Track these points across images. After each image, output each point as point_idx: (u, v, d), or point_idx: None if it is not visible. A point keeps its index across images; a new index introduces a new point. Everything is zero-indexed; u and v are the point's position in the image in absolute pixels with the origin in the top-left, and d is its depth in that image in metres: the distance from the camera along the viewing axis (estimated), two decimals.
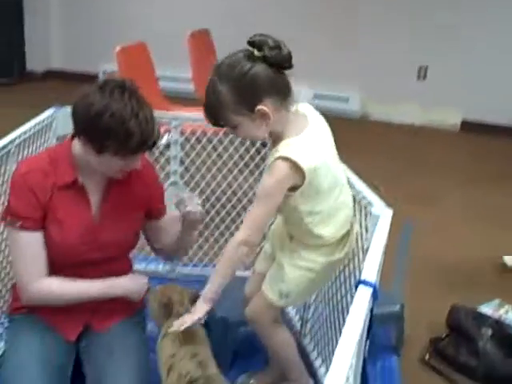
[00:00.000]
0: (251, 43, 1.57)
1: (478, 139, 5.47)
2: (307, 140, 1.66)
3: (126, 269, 1.98)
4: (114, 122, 1.60)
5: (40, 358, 1.77)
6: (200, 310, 1.71)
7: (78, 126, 1.68)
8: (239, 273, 2.67)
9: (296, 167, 1.61)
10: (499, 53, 5.57)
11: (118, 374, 1.76)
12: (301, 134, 1.66)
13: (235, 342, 2.17)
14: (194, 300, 1.86)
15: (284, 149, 1.62)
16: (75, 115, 1.67)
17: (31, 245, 1.75)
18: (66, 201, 1.77)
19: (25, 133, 2.16)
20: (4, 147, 2.00)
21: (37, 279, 1.76)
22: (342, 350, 1.13)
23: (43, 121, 2.31)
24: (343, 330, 1.20)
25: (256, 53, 1.56)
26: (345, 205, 1.81)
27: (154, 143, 1.71)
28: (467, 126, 5.76)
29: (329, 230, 1.77)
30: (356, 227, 1.86)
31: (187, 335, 1.77)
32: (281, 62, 1.58)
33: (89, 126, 1.64)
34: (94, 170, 1.76)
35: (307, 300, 1.97)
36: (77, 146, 1.76)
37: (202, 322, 1.73)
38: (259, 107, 1.59)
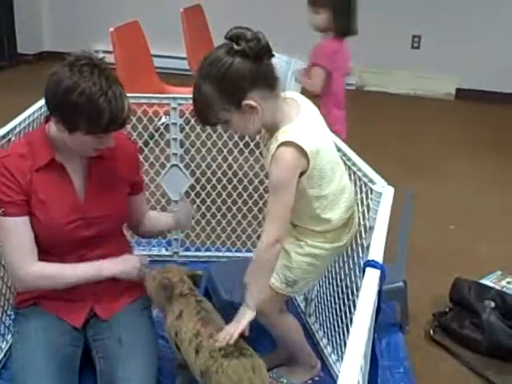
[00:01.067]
0: (229, 38, 1.55)
1: (473, 107, 5.47)
2: (304, 124, 1.65)
3: (123, 246, 2.01)
4: (84, 100, 1.60)
5: (47, 348, 1.78)
6: (246, 318, 1.70)
7: (48, 104, 1.69)
8: (245, 254, 2.72)
9: (300, 150, 1.60)
10: (493, 20, 5.53)
11: (128, 362, 1.78)
12: (296, 119, 1.65)
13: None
14: (193, 278, 1.94)
15: (283, 135, 1.61)
16: (46, 93, 1.68)
17: (17, 231, 1.75)
18: (47, 182, 1.77)
19: (24, 120, 2.14)
20: (4, 136, 1.99)
21: (27, 264, 1.76)
22: (355, 338, 1.13)
23: (41, 108, 2.29)
24: (354, 317, 1.21)
25: (235, 47, 1.54)
26: (347, 188, 1.82)
27: (125, 121, 1.71)
28: (462, 94, 5.76)
29: (336, 214, 1.78)
30: (357, 209, 1.87)
31: (207, 316, 1.81)
32: (260, 54, 1.55)
33: (59, 105, 1.65)
34: (70, 149, 1.77)
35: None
36: (51, 126, 1.77)
37: (247, 333, 1.71)
38: (245, 102, 1.57)
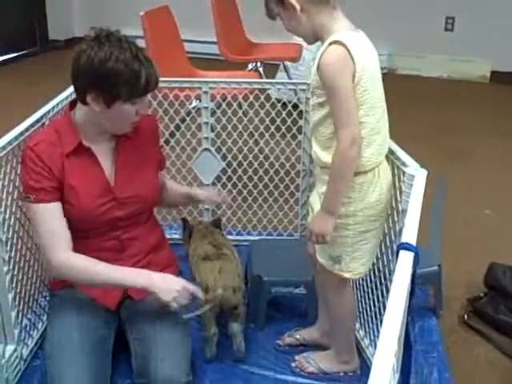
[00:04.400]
0: None
1: (508, 90, 5.35)
2: (359, 39, 1.65)
3: (155, 229, 2.04)
4: (121, 66, 1.66)
5: (81, 329, 1.81)
6: (328, 223, 1.70)
7: (84, 81, 1.71)
8: (276, 238, 2.72)
9: (348, 52, 1.59)
10: None
11: (162, 342, 1.79)
12: (352, 32, 1.65)
13: (267, 300, 2.22)
14: (213, 223, 2.38)
15: (333, 37, 1.61)
16: (79, 72, 1.71)
17: (49, 217, 1.77)
18: (77, 167, 1.80)
19: (57, 105, 2.16)
20: (38, 120, 2.01)
21: (59, 251, 1.77)
22: (389, 322, 1.12)
23: (72, 93, 2.30)
24: (388, 300, 1.19)
25: None
26: (384, 129, 1.75)
27: (158, 80, 1.77)
28: (497, 77, 5.63)
29: (369, 152, 1.69)
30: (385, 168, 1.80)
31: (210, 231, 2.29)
32: None
33: (97, 77, 1.68)
34: (99, 133, 1.82)
35: (365, 268, 1.85)
36: (77, 112, 1.81)
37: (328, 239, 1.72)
38: None
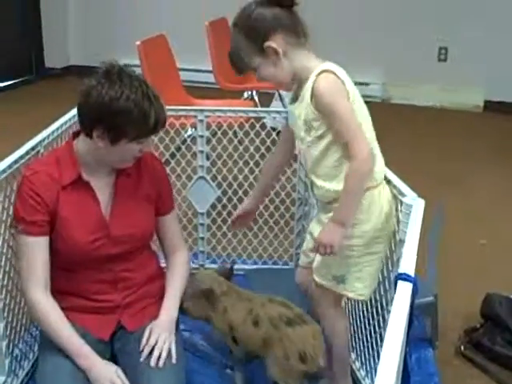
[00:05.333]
0: None
1: (501, 119, 5.38)
2: (340, 68, 1.70)
3: (150, 260, 1.98)
4: (131, 105, 1.64)
5: (72, 364, 1.75)
6: (338, 234, 1.68)
7: (91, 117, 1.69)
8: (271, 267, 2.71)
9: (338, 77, 1.65)
10: None
11: (154, 376, 1.75)
12: (331, 63, 1.70)
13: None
14: (224, 275, 2.04)
15: (317, 70, 1.66)
16: (87, 108, 1.69)
17: (33, 251, 1.75)
18: (72, 200, 1.77)
19: (53, 133, 2.16)
20: (33, 148, 2.00)
21: (32, 290, 1.75)
22: (388, 353, 1.11)
23: (70, 119, 2.31)
24: (387, 332, 1.18)
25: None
26: (378, 150, 1.78)
27: (166, 120, 1.75)
28: (490, 106, 5.67)
29: (377, 166, 1.74)
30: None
31: (250, 295, 1.98)
32: (280, 0, 1.65)
33: (106, 115, 1.66)
34: (100, 166, 1.79)
35: (368, 291, 1.86)
36: (80, 144, 1.78)
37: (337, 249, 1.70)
38: (267, 44, 1.64)
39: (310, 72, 1.67)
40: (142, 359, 1.76)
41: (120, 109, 1.64)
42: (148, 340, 1.79)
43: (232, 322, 1.91)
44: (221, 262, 2.80)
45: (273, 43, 1.64)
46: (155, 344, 1.78)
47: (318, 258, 1.83)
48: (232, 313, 1.92)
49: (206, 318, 1.99)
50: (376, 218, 1.75)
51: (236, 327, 1.91)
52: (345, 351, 1.97)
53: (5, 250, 1.88)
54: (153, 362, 1.75)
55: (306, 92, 1.67)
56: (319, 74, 1.65)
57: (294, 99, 1.76)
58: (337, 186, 1.73)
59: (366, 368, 2.05)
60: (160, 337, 1.79)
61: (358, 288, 1.82)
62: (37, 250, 1.75)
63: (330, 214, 1.75)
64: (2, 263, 1.86)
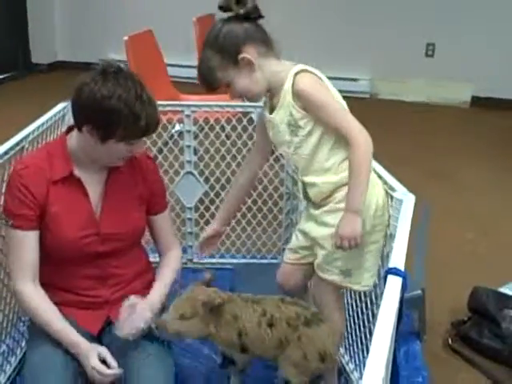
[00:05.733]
0: (220, 8, 1.72)
1: (488, 115, 5.43)
2: (314, 69, 1.74)
3: (139, 257, 1.97)
4: (122, 105, 1.61)
5: (61, 356, 1.75)
6: (358, 223, 1.68)
7: (82, 114, 1.68)
8: (260, 261, 2.70)
9: (315, 75, 1.71)
10: (508, 27, 5.49)
11: (143, 371, 1.75)
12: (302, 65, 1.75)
13: None
14: (209, 285, 1.88)
15: (292, 72, 1.69)
16: (78, 104, 1.67)
17: (22, 245, 1.74)
18: (63, 196, 1.76)
19: (38, 128, 2.14)
20: (18, 144, 1.98)
21: (23, 282, 1.74)
22: (377, 348, 1.11)
23: (55, 115, 2.29)
24: (376, 326, 1.18)
25: (226, 14, 1.70)
26: None
27: (158, 123, 1.73)
28: (478, 102, 5.71)
29: None
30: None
31: (256, 297, 1.87)
32: (249, 14, 1.69)
33: (95, 113, 1.64)
34: (91, 162, 1.77)
35: (372, 281, 1.86)
36: (73, 139, 1.76)
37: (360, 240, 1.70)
38: (241, 56, 1.68)
39: (284, 77, 1.71)
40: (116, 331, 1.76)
41: (110, 108, 1.62)
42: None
43: (244, 328, 1.81)
44: (208, 256, 2.80)
45: (247, 54, 1.68)
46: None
47: (320, 254, 1.82)
48: (244, 318, 1.82)
49: (206, 335, 1.84)
50: (375, 205, 1.77)
51: (249, 332, 1.81)
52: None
53: None
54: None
55: (286, 95, 1.71)
56: (296, 75, 1.69)
57: (271, 109, 1.78)
58: (332, 177, 1.75)
59: (355, 361, 2.06)
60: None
61: (364, 279, 1.83)
62: (26, 244, 1.74)
63: (325, 208, 1.78)
64: None
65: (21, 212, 1.71)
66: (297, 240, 1.95)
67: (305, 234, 1.89)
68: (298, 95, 1.68)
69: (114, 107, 1.61)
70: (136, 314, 1.75)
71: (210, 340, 1.86)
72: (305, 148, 1.75)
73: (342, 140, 1.71)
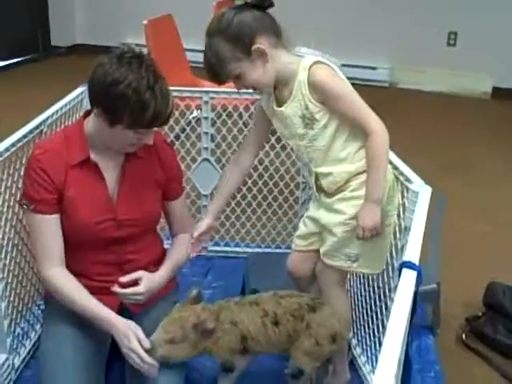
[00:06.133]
0: None
1: (509, 106, 5.35)
2: (326, 60, 1.71)
3: (155, 243, 1.97)
4: (130, 92, 1.59)
5: (76, 341, 1.77)
6: (378, 213, 1.69)
7: (92, 95, 1.67)
8: (275, 251, 2.70)
9: (329, 66, 1.68)
10: None
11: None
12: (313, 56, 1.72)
13: None
14: (196, 301, 1.79)
15: (304, 64, 1.67)
16: (91, 84, 1.66)
17: (45, 229, 1.74)
18: (80, 180, 1.76)
19: (56, 112, 2.15)
20: (37, 127, 1.99)
21: (49, 265, 1.75)
22: (390, 342, 1.09)
23: (74, 99, 2.30)
24: (390, 320, 1.17)
25: (237, 2, 1.65)
26: None
27: (168, 118, 1.70)
28: (498, 93, 5.63)
29: None
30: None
31: (252, 298, 1.84)
32: (262, 2, 1.65)
33: (104, 95, 1.63)
34: (108, 147, 1.76)
35: (382, 265, 1.87)
36: (90, 123, 1.75)
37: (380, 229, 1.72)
38: (255, 46, 1.63)
39: (295, 69, 1.68)
40: (115, 288, 1.75)
41: (118, 93, 1.60)
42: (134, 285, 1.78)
43: (248, 332, 1.77)
44: (223, 244, 2.80)
45: (260, 45, 1.64)
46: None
47: (329, 240, 1.81)
48: (246, 322, 1.77)
49: (199, 352, 1.78)
50: (387, 189, 1.76)
51: (254, 335, 1.77)
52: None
53: (7, 230, 1.88)
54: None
55: (300, 88, 1.68)
56: (310, 67, 1.66)
57: (279, 102, 1.76)
58: (348, 167, 1.75)
59: (367, 354, 2.05)
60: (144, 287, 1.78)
61: (373, 263, 1.84)
62: (49, 227, 1.74)
63: (338, 196, 1.77)
64: (4, 242, 1.86)
65: (41, 197, 1.72)
66: (305, 227, 1.94)
67: (315, 220, 1.89)
68: (314, 87, 1.66)
69: (122, 93, 1.60)
70: None
71: (207, 353, 1.79)
72: (320, 140, 1.74)
73: (357, 130, 1.71)
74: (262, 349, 1.81)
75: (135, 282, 1.78)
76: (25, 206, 1.74)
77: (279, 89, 1.74)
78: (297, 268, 1.97)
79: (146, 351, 1.66)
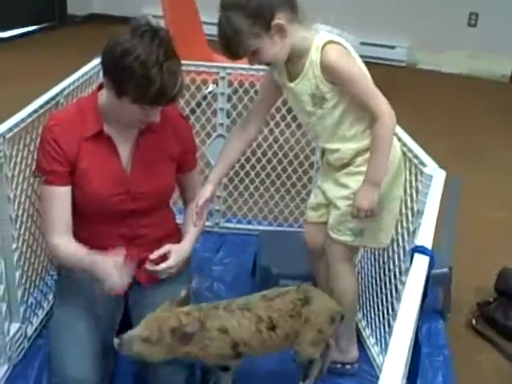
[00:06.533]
0: None
1: None
2: (340, 39, 1.70)
3: (168, 216, 1.98)
4: (137, 65, 1.58)
5: (87, 312, 1.78)
6: (375, 195, 1.71)
7: (103, 65, 1.67)
8: (287, 229, 2.70)
9: (343, 47, 1.67)
10: None
11: None
12: (326, 33, 1.70)
13: None
14: (183, 303, 1.73)
15: (318, 41, 1.66)
16: (103, 54, 1.65)
17: (55, 200, 1.74)
18: (94, 153, 1.75)
19: (73, 83, 2.14)
20: (53, 98, 1.99)
21: (58, 236, 1.75)
22: (401, 327, 1.09)
23: (90, 70, 2.29)
24: (401, 304, 1.17)
25: None
26: None
27: (175, 97, 1.67)
28: None
29: None
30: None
31: (241, 302, 1.77)
32: None
33: (113, 66, 1.62)
34: (116, 120, 1.75)
35: (388, 239, 1.89)
36: (103, 95, 1.74)
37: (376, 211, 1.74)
38: (275, 22, 1.61)
39: (309, 45, 1.67)
40: (148, 266, 1.79)
41: (124, 65, 1.59)
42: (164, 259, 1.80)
43: (241, 339, 1.70)
44: (236, 221, 2.80)
45: (280, 21, 1.61)
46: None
47: (333, 214, 1.84)
48: (238, 329, 1.70)
49: (188, 357, 1.70)
50: (392, 165, 1.77)
51: (248, 342, 1.71)
52: (352, 312, 1.98)
53: (22, 200, 1.88)
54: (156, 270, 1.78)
55: (312, 68, 1.67)
56: (323, 46, 1.65)
57: (291, 76, 1.74)
58: (354, 145, 1.76)
59: (376, 336, 2.06)
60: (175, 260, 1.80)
61: (378, 237, 1.86)
62: (59, 199, 1.75)
63: (345, 171, 1.79)
64: (19, 212, 1.87)
65: (52, 168, 1.72)
66: (315, 198, 1.96)
67: (323, 192, 1.91)
68: (326, 69, 1.66)
69: (129, 66, 1.58)
70: None
71: (195, 360, 1.72)
72: (328, 119, 1.74)
73: (365, 110, 1.71)
74: (256, 352, 1.78)
75: (163, 257, 1.80)
76: (38, 177, 1.75)
77: (291, 62, 1.72)
78: (310, 240, 1.99)
79: (121, 345, 1.64)
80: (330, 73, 1.66)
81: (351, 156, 1.78)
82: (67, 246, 1.76)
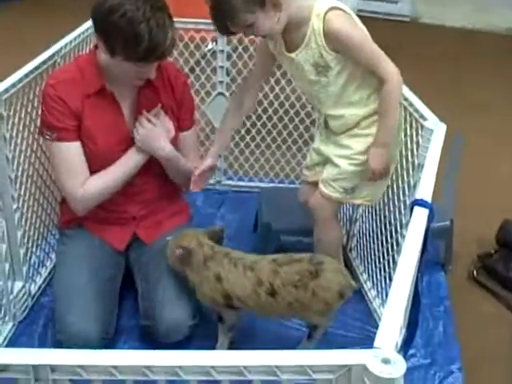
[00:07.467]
0: None
1: None
2: (341, 4, 1.68)
3: (168, 183, 1.98)
4: (124, 22, 1.57)
5: (90, 269, 1.81)
6: (387, 156, 1.74)
7: (93, 23, 1.66)
8: (288, 186, 2.70)
9: (346, 12, 1.66)
10: None
11: (167, 287, 1.79)
12: None
13: (275, 247, 2.15)
14: (213, 237, 1.81)
15: (320, 8, 1.63)
16: (92, 11, 1.65)
17: (71, 155, 1.75)
18: (97, 109, 1.76)
19: (70, 43, 2.12)
20: (50, 58, 1.97)
21: (81, 185, 1.76)
22: (400, 279, 1.10)
23: (87, 30, 2.26)
24: (400, 257, 1.17)
25: None
26: None
27: (165, 52, 1.65)
28: None
29: None
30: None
31: (248, 260, 1.75)
32: None
33: (101, 24, 1.62)
34: (114, 78, 1.74)
35: (377, 197, 1.93)
36: (101, 52, 1.73)
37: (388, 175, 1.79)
38: None
39: (308, 15, 1.64)
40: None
41: (112, 23, 1.58)
42: None
43: (234, 293, 1.72)
44: (237, 178, 2.80)
45: None
46: None
47: (329, 170, 1.85)
48: (233, 283, 1.71)
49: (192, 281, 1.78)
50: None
51: (242, 298, 1.72)
52: (339, 256, 2.01)
53: (21, 160, 1.88)
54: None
55: (315, 36, 1.65)
56: (326, 13, 1.62)
57: (290, 47, 1.72)
58: (359, 110, 1.76)
59: (377, 289, 2.07)
60: None
61: (368, 194, 1.88)
62: (73, 153, 1.75)
63: (348, 133, 1.80)
64: (19, 173, 1.87)
65: (62, 124, 1.72)
66: (310, 158, 1.98)
67: (320, 153, 1.92)
68: (330, 37, 1.64)
69: (116, 23, 1.57)
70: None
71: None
72: (333, 87, 1.74)
73: (369, 75, 1.70)
74: (255, 311, 1.77)
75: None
76: (47, 136, 1.74)
77: (289, 32, 1.70)
78: (305, 199, 2.00)
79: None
80: (334, 41, 1.64)
81: (355, 122, 1.78)
82: (90, 184, 1.77)
